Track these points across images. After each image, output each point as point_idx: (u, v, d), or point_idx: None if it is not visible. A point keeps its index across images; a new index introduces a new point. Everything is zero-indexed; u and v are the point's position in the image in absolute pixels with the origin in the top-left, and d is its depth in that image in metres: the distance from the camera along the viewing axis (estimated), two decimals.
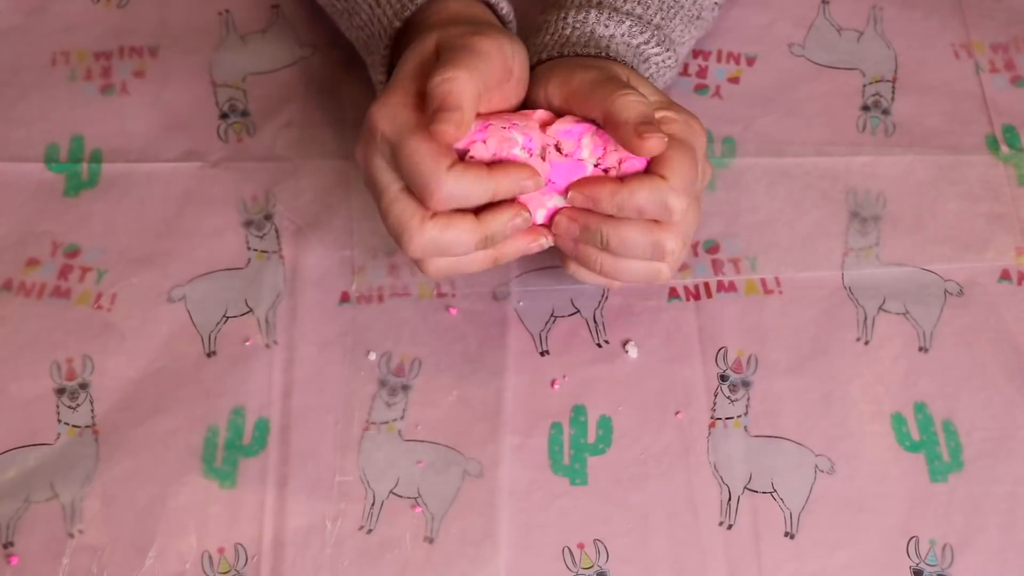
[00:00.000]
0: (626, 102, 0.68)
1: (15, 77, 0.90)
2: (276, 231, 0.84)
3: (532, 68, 0.75)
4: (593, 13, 0.78)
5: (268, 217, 0.85)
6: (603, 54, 0.77)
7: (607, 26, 0.78)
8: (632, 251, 0.71)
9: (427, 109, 0.66)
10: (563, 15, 0.79)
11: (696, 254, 0.83)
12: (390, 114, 0.68)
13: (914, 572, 0.74)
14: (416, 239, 0.68)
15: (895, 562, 0.74)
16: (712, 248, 0.83)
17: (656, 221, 0.70)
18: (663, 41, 0.80)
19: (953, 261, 0.83)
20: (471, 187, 0.67)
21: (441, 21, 0.74)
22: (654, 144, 0.67)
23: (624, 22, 0.78)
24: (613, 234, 0.70)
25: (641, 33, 0.79)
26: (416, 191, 0.67)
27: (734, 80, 0.91)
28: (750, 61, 0.91)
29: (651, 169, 0.70)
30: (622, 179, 0.70)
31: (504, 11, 0.78)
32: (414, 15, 0.76)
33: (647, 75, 0.79)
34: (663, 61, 0.81)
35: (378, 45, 0.78)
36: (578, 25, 0.78)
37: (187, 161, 0.87)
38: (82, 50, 0.92)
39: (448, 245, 0.69)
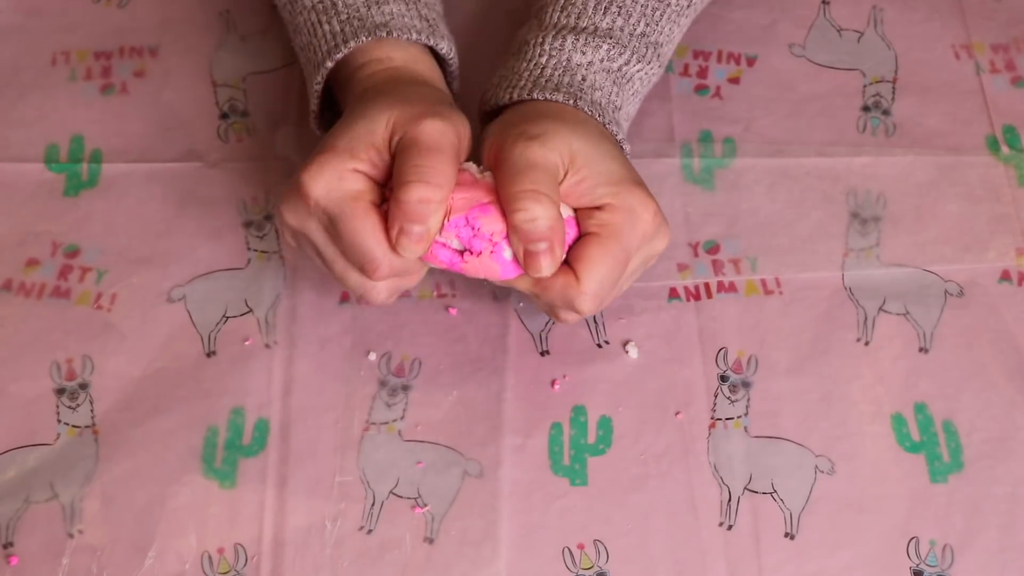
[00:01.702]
0: (522, 218, 0.67)
1: (15, 77, 0.90)
2: (276, 231, 0.84)
3: (499, 110, 0.77)
4: (570, 40, 0.78)
5: (268, 217, 0.85)
6: (576, 93, 0.76)
7: (584, 53, 0.77)
8: (542, 306, 0.75)
9: (392, 217, 0.67)
10: (540, 40, 0.79)
11: (696, 254, 0.83)
12: (325, 184, 0.68)
13: (914, 573, 0.74)
14: (380, 292, 0.73)
15: (895, 563, 0.74)
16: (712, 248, 0.83)
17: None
18: (646, 53, 0.79)
19: (953, 262, 0.83)
20: (410, 261, 0.70)
21: (384, 80, 0.75)
22: (538, 269, 0.68)
23: (601, 46, 0.78)
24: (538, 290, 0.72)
25: (620, 55, 0.78)
26: (356, 263, 0.69)
27: (734, 80, 0.90)
28: (750, 61, 0.91)
29: (570, 261, 0.70)
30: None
31: (444, 51, 0.79)
32: (351, 54, 0.77)
33: (631, 92, 0.79)
34: (646, 74, 0.80)
35: (312, 75, 0.78)
36: (554, 53, 0.78)
37: (187, 161, 0.87)
38: (82, 50, 0.92)
39: (403, 283, 0.74)
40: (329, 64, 0.76)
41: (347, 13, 0.77)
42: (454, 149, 0.69)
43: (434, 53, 0.80)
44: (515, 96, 0.76)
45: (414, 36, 0.77)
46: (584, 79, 0.77)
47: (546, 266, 0.68)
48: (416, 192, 0.66)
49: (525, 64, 0.78)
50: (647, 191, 0.72)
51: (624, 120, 0.79)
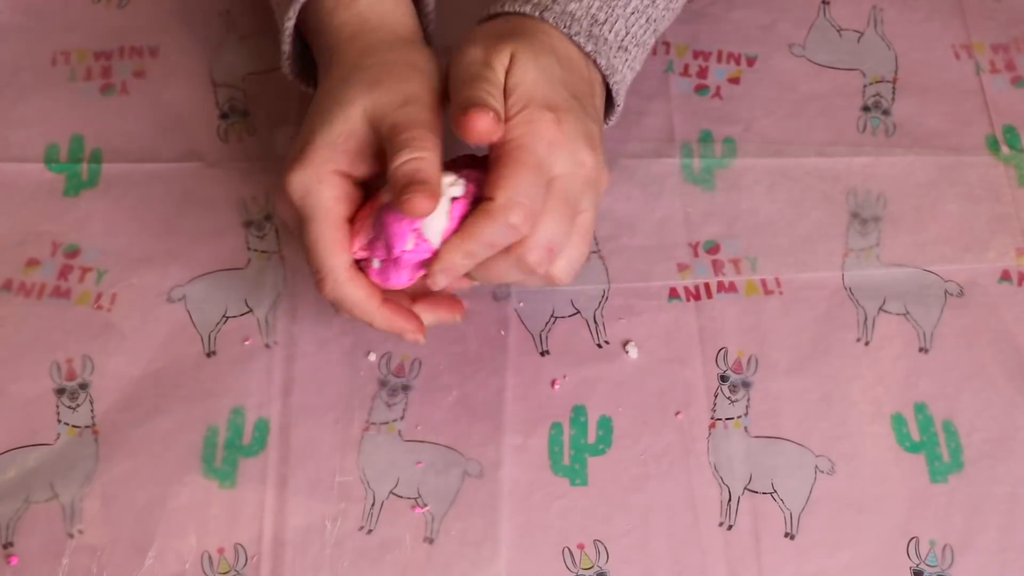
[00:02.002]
0: (461, 96, 0.67)
1: (15, 77, 0.90)
2: (276, 231, 0.84)
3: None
4: None
5: (268, 217, 0.85)
6: (546, 3, 0.74)
7: None
8: (507, 277, 0.71)
9: (392, 188, 0.66)
10: None
11: (697, 254, 0.83)
12: (303, 185, 0.69)
13: (914, 573, 0.74)
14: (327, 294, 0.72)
15: (895, 563, 0.74)
16: (712, 249, 0.83)
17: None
18: None
19: (953, 262, 0.83)
20: (355, 305, 0.71)
21: (352, 34, 0.74)
22: (472, 121, 0.66)
23: None
24: (482, 275, 0.71)
25: None
26: (311, 269, 0.70)
27: (734, 80, 0.90)
28: (750, 62, 0.91)
29: (485, 192, 0.68)
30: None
31: None
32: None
33: (627, 9, 0.76)
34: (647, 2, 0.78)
35: (282, 16, 0.77)
36: None
37: (187, 161, 0.87)
38: (82, 50, 0.92)
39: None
40: (292, 15, 0.75)
41: None
42: (437, 121, 0.69)
43: None
44: (489, 11, 0.75)
45: None
46: None
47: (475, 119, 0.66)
48: (406, 155, 0.66)
49: None
50: (560, 117, 0.69)
51: (616, 38, 0.76)
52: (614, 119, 0.79)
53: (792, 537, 0.74)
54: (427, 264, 0.69)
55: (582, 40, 0.74)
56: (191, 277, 0.82)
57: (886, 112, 0.89)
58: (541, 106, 0.68)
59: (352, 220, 0.70)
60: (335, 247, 0.69)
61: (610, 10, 0.76)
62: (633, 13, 0.77)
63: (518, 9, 0.74)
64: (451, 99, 0.69)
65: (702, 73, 0.91)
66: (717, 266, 0.83)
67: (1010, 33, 0.93)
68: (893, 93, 0.90)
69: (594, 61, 0.75)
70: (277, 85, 0.89)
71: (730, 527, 0.75)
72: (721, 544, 0.74)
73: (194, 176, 0.86)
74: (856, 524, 0.75)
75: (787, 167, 0.87)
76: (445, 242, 0.68)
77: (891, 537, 0.75)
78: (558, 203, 0.68)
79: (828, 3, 0.94)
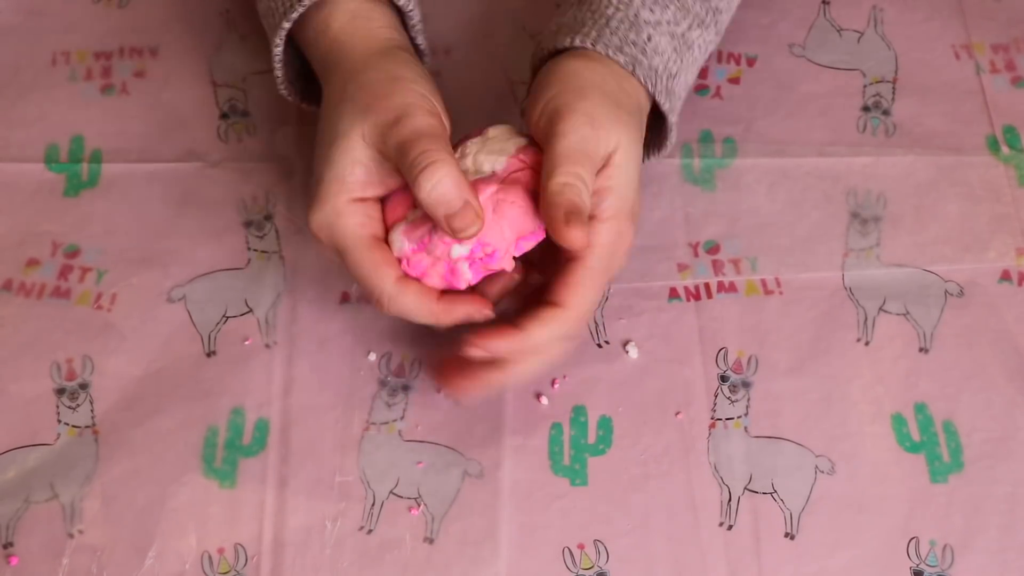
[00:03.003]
0: (560, 187, 0.68)
1: (15, 77, 0.90)
2: (276, 231, 0.84)
3: (554, 54, 0.75)
4: None
5: (268, 217, 0.85)
6: (637, 57, 0.74)
7: (652, 11, 0.76)
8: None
9: (433, 217, 0.67)
10: None
11: (697, 254, 0.83)
12: (325, 223, 0.71)
13: (914, 573, 0.74)
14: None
15: (895, 563, 0.74)
16: (712, 248, 0.83)
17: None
18: (706, 17, 0.78)
19: (953, 262, 0.83)
20: (414, 314, 0.71)
21: (339, 56, 0.74)
22: (576, 238, 0.67)
23: (669, 7, 0.76)
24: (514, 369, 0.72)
25: (684, 18, 0.77)
26: (366, 295, 0.72)
27: (735, 80, 0.90)
28: (751, 61, 0.91)
29: (554, 292, 0.70)
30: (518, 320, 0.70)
31: (401, 2, 0.77)
32: (309, 14, 0.76)
33: (691, 61, 0.78)
34: (704, 41, 0.79)
35: (272, 39, 0.77)
36: (621, 7, 0.76)
37: (187, 161, 0.87)
38: (82, 50, 0.92)
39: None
40: (286, 24, 0.76)
41: None
42: (441, 127, 0.70)
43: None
44: (577, 42, 0.74)
45: None
46: (650, 39, 0.75)
47: (579, 235, 0.67)
48: (426, 183, 0.67)
49: (589, 13, 0.76)
50: (637, 214, 0.73)
51: (681, 89, 0.78)
52: (659, 158, 0.81)
53: (792, 537, 0.74)
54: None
55: (662, 100, 0.76)
56: (191, 277, 0.82)
57: (886, 112, 0.89)
58: (628, 217, 0.71)
59: (385, 202, 0.71)
60: (376, 269, 0.70)
61: (681, 62, 0.77)
62: (694, 63, 0.79)
63: (612, 55, 0.74)
64: (547, 170, 0.69)
65: (702, 73, 0.90)
66: (717, 266, 0.83)
67: (1010, 33, 0.93)
68: (893, 93, 0.90)
69: (665, 117, 0.77)
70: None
71: (730, 527, 0.75)
72: (721, 544, 0.74)
73: (194, 176, 0.86)
74: (856, 524, 0.75)
75: (787, 167, 0.87)
76: (497, 335, 0.70)
77: (891, 537, 0.75)
78: (604, 285, 0.72)
79: (828, 3, 0.94)
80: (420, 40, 0.80)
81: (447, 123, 0.71)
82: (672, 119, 0.77)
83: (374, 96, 0.70)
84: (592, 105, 0.70)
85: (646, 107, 0.76)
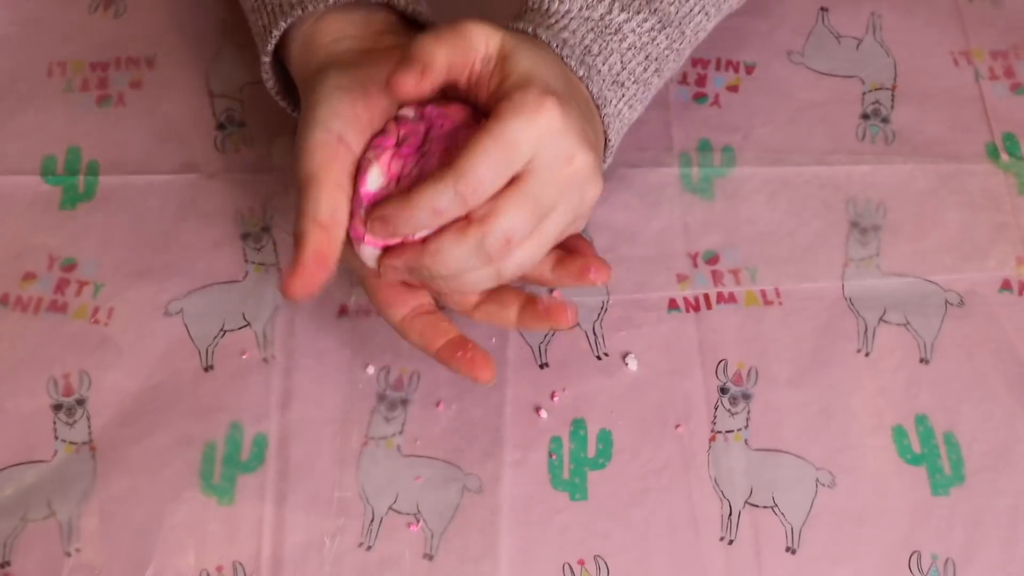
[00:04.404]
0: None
1: (11, 88, 0.90)
2: (274, 243, 0.84)
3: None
4: None
5: (266, 229, 0.84)
6: (540, 25, 0.73)
7: (562, 2, 0.74)
8: (462, 262, 0.67)
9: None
10: None
11: (696, 265, 0.83)
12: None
13: None
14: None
15: None
16: (712, 259, 0.83)
17: (467, 221, 0.66)
18: (632, 3, 0.76)
19: (954, 271, 0.83)
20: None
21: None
22: (398, 75, 0.65)
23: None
24: (436, 260, 0.67)
25: (600, 3, 0.75)
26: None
27: (733, 88, 0.90)
28: (749, 69, 0.91)
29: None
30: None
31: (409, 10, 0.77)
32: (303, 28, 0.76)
33: (624, 45, 0.75)
34: (639, 26, 0.76)
35: (263, 45, 0.77)
36: (534, 5, 0.75)
37: (184, 173, 0.86)
38: (78, 61, 0.91)
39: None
40: (265, 59, 0.76)
41: (271, 4, 0.76)
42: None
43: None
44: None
45: (330, 1, 0.74)
46: (556, 23, 0.74)
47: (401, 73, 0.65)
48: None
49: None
50: (564, 103, 0.66)
51: (611, 72, 0.75)
52: (609, 158, 0.77)
53: (793, 552, 0.74)
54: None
55: (574, 64, 0.72)
56: (188, 290, 0.82)
57: (885, 120, 0.88)
58: (543, 89, 0.65)
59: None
60: (385, 309, 0.74)
61: (604, 43, 0.75)
62: (630, 48, 0.76)
63: (511, 25, 0.74)
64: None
65: (700, 81, 0.90)
66: (716, 276, 0.83)
67: (1009, 39, 0.92)
68: (892, 100, 0.89)
69: (586, 87, 0.73)
70: None
71: (731, 542, 0.74)
72: (722, 559, 0.74)
73: (191, 188, 0.86)
74: (857, 538, 0.75)
75: (786, 176, 0.86)
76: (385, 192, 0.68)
77: (892, 551, 0.74)
78: (523, 196, 0.65)
79: (827, 10, 0.93)
80: (422, 18, 0.78)
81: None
82: (593, 90, 0.73)
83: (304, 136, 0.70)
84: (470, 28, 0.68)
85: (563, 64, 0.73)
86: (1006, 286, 0.82)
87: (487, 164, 0.64)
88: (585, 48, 0.74)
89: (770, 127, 0.88)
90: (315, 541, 0.74)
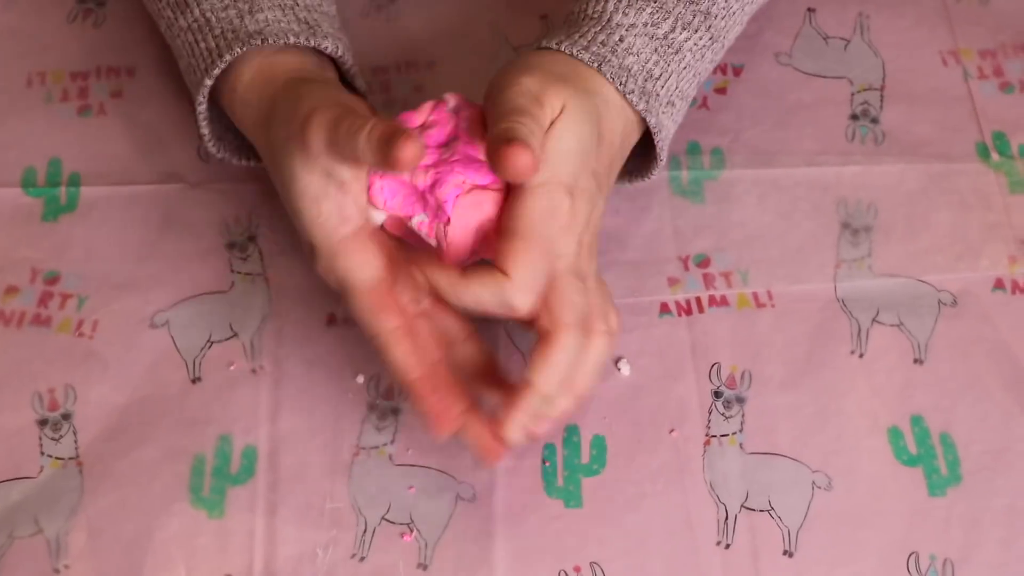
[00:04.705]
0: (505, 127, 0.65)
1: None
2: (260, 253, 0.83)
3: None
4: (612, 1, 0.75)
5: (251, 238, 0.83)
6: (605, 56, 0.73)
7: (626, 14, 0.75)
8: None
9: (374, 159, 0.64)
10: (585, 2, 0.76)
11: (687, 268, 0.82)
12: (329, 270, 0.71)
13: None
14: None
15: None
16: (703, 262, 0.82)
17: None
18: (692, 20, 0.76)
19: (946, 271, 0.82)
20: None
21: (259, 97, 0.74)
22: (517, 155, 0.63)
23: (645, 9, 0.75)
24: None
25: (664, 20, 0.75)
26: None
27: (721, 91, 0.90)
28: (737, 71, 0.90)
29: (498, 260, 0.66)
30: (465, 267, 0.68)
31: (329, 50, 0.76)
32: (233, 75, 0.76)
33: (681, 65, 0.76)
34: (696, 45, 0.77)
35: (195, 96, 0.77)
36: (595, 14, 0.75)
37: (167, 183, 0.85)
38: (58, 71, 0.90)
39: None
40: (208, 81, 0.75)
41: (220, 28, 0.76)
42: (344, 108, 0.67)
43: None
44: (543, 44, 0.74)
45: (291, 39, 0.75)
46: (622, 40, 0.74)
47: (522, 156, 0.63)
48: (360, 136, 0.64)
49: (564, 25, 0.76)
50: (576, 199, 0.69)
51: (669, 94, 0.76)
52: (655, 173, 0.79)
53: (791, 555, 0.74)
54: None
55: (635, 99, 0.73)
56: (174, 302, 0.81)
57: (875, 120, 0.88)
58: (561, 188, 0.67)
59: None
60: (375, 315, 0.71)
61: (665, 64, 0.75)
62: (685, 68, 0.76)
63: (576, 54, 0.73)
64: (491, 120, 0.67)
65: None
66: (708, 280, 0.82)
67: (997, 38, 0.92)
68: (881, 101, 0.89)
69: (643, 119, 0.74)
70: None
71: (728, 546, 0.74)
72: (719, 564, 0.73)
73: (175, 198, 0.85)
74: (855, 540, 0.74)
75: (776, 177, 0.86)
76: (437, 268, 0.68)
77: (890, 552, 0.74)
78: (573, 279, 0.69)
79: (814, 11, 0.93)
80: (358, 83, 0.80)
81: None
82: (651, 121, 0.74)
83: (286, 125, 0.69)
84: (537, 80, 0.69)
85: (617, 102, 0.73)
86: (999, 285, 0.82)
87: (540, 274, 0.67)
88: (647, 73, 0.74)
89: (759, 129, 0.88)
90: (307, 553, 0.73)
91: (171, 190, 0.85)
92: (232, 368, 0.79)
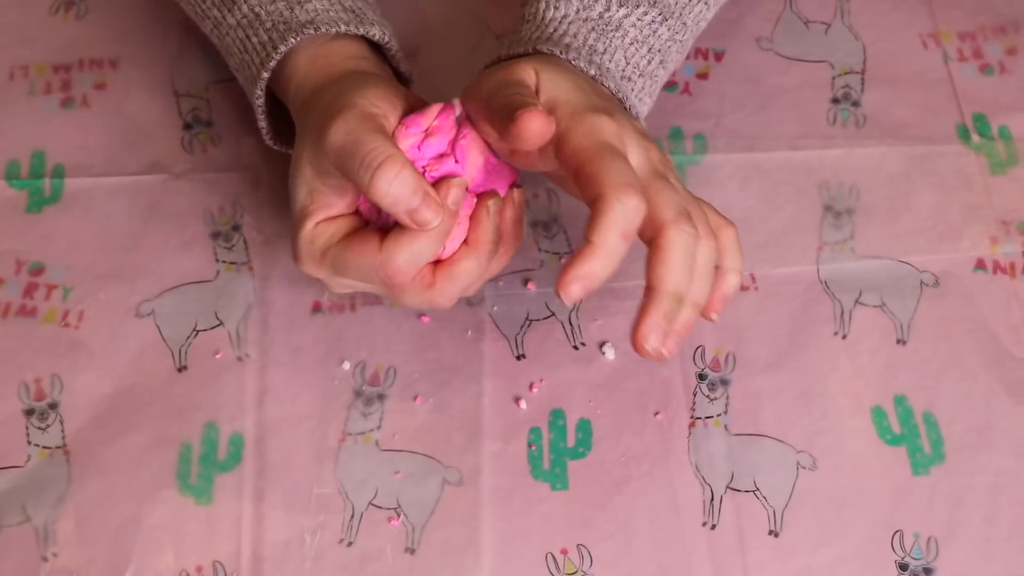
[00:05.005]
0: (504, 96, 0.66)
1: None
2: (245, 242, 0.83)
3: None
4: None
5: (236, 228, 0.83)
6: (550, 40, 0.74)
7: (557, 7, 0.75)
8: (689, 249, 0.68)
9: (393, 213, 0.65)
10: (524, 7, 0.77)
11: None
12: (306, 255, 0.71)
13: (899, 566, 0.73)
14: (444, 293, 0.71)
15: (880, 557, 0.73)
16: None
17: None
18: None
19: (928, 252, 0.83)
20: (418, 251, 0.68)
21: (309, 95, 0.74)
22: (530, 119, 0.63)
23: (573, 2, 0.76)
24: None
25: (596, 3, 0.75)
26: (378, 282, 0.70)
27: (703, 76, 0.90)
28: (718, 56, 0.91)
29: (584, 190, 0.64)
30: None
31: (376, 36, 0.77)
32: (286, 65, 0.76)
33: (625, 40, 0.76)
34: (640, 20, 0.76)
35: (252, 91, 0.77)
36: (529, 17, 0.76)
37: (152, 174, 0.85)
38: (41, 63, 0.90)
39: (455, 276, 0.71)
40: (265, 75, 0.75)
41: (271, 21, 0.76)
42: (369, 126, 0.67)
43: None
44: (484, 66, 0.75)
45: (342, 28, 0.75)
46: (555, 31, 0.75)
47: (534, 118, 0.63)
48: (386, 177, 0.64)
49: (508, 39, 0.77)
50: (612, 115, 0.67)
51: (618, 68, 0.75)
52: None
53: (776, 535, 0.74)
54: None
55: (583, 65, 0.73)
56: (159, 291, 0.81)
57: (856, 103, 0.88)
58: (589, 110, 0.66)
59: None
60: (368, 255, 0.69)
61: (608, 41, 0.75)
62: (632, 43, 0.76)
63: (513, 51, 0.74)
64: (487, 116, 0.67)
65: None
66: None
67: (976, 20, 0.92)
68: (862, 84, 0.89)
69: (602, 84, 0.74)
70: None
71: (713, 527, 0.74)
72: (705, 544, 0.74)
73: (159, 188, 0.85)
74: (840, 519, 0.74)
75: (759, 161, 0.86)
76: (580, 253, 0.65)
77: (875, 531, 0.74)
78: (657, 179, 0.67)
79: None
80: (403, 67, 0.80)
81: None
82: (611, 86, 0.73)
83: (322, 118, 0.69)
84: (500, 66, 0.70)
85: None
86: (980, 266, 0.82)
87: (627, 171, 0.64)
88: (591, 48, 0.74)
89: (741, 113, 0.88)
90: (295, 538, 0.73)
91: (155, 181, 0.85)
92: (218, 356, 0.79)
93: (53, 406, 0.77)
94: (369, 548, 0.73)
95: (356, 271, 0.69)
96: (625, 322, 0.80)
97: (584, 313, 0.80)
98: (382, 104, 0.69)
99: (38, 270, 0.82)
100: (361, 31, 0.76)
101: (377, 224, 0.70)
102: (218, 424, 0.77)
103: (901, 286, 0.82)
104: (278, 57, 0.74)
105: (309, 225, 0.70)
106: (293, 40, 0.74)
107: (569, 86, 0.68)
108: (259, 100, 0.77)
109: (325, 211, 0.70)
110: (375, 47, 0.79)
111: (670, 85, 0.89)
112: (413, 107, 0.71)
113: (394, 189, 0.64)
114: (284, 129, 0.80)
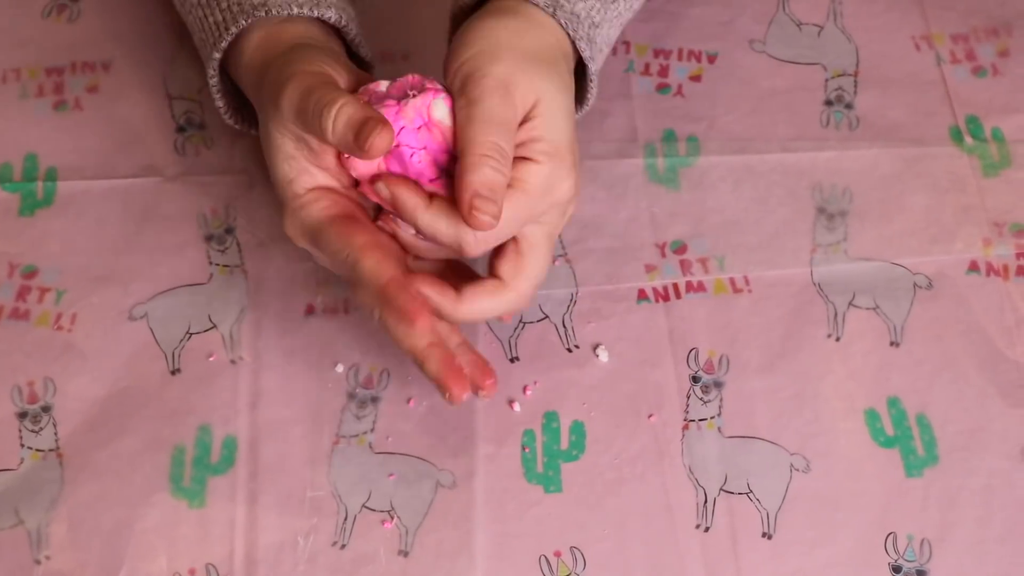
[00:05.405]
0: (477, 163, 0.66)
1: None
2: (238, 245, 0.83)
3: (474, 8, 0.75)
4: None
5: (229, 231, 0.83)
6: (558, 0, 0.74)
7: None
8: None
9: (347, 149, 0.66)
10: None
11: (664, 255, 0.83)
12: (296, 228, 0.72)
13: (893, 568, 0.73)
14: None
15: (874, 559, 0.74)
16: (680, 248, 0.83)
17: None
18: None
19: (921, 254, 0.83)
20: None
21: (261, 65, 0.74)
22: (481, 222, 0.66)
23: None
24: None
25: None
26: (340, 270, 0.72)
27: (696, 78, 0.90)
28: (711, 59, 0.91)
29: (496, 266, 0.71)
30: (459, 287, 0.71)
31: (332, 19, 0.76)
32: (241, 43, 0.76)
33: (615, 14, 0.76)
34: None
35: (207, 70, 0.78)
36: None
37: (145, 176, 0.85)
38: (33, 66, 0.90)
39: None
40: (216, 54, 0.75)
41: (227, 1, 0.76)
42: (319, 80, 0.69)
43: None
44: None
45: (295, 10, 0.75)
46: None
47: (486, 219, 0.66)
48: (327, 119, 0.66)
49: None
50: (575, 161, 0.71)
51: (602, 42, 0.76)
52: (581, 114, 0.79)
53: (769, 537, 0.74)
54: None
55: (583, 46, 0.74)
56: (153, 294, 0.81)
57: (849, 106, 0.89)
58: (563, 162, 0.70)
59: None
60: (348, 241, 0.70)
61: (604, 13, 0.76)
62: (617, 17, 0.77)
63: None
64: (462, 144, 0.67)
65: (663, 72, 0.90)
66: (685, 266, 0.82)
67: (969, 23, 0.92)
68: (855, 86, 0.89)
69: (587, 67, 0.74)
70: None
71: (707, 529, 0.74)
72: (698, 546, 0.74)
73: (152, 191, 0.85)
74: (833, 521, 0.74)
75: (752, 164, 0.86)
76: (436, 289, 0.70)
77: (868, 533, 0.74)
78: (524, 221, 0.70)
79: None
80: (363, 52, 0.80)
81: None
82: (592, 68, 0.75)
83: (270, 87, 0.70)
84: (505, 68, 0.69)
85: (571, 55, 0.75)
86: (973, 267, 0.82)
87: (538, 276, 0.72)
88: (591, 20, 0.75)
89: (734, 116, 0.88)
90: (288, 541, 0.73)
91: (148, 183, 0.85)
92: (211, 359, 0.79)
93: (46, 409, 0.77)
94: (362, 551, 0.73)
95: (331, 256, 0.70)
96: (619, 325, 0.80)
97: (578, 316, 0.81)
98: (328, 69, 0.70)
99: (31, 273, 0.82)
100: (316, 13, 0.75)
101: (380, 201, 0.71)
102: (211, 427, 0.77)
103: (894, 288, 0.82)
104: (229, 39, 0.74)
105: (296, 191, 0.71)
106: (244, 22, 0.74)
107: (563, 124, 0.70)
108: (213, 80, 0.77)
109: (308, 177, 0.71)
110: (338, 32, 0.79)
111: (663, 87, 0.89)
112: (360, 80, 0.71)
113: (338, 124, 0.65)
114: (251, 111, 0.80)
